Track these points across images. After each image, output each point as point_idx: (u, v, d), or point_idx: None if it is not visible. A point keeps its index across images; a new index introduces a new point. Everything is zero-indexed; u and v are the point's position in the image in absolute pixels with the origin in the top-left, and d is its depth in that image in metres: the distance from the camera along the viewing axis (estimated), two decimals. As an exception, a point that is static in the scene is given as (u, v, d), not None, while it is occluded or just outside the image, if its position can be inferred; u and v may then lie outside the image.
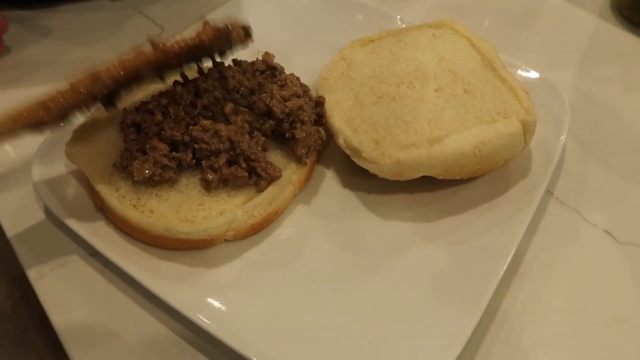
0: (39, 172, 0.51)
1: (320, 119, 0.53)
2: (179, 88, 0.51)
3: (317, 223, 0.51)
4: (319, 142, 0.53)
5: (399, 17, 0.69)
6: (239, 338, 0.42)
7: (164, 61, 0.47)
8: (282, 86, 0.53)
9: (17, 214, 0.52)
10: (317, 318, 0.44)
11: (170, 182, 0.48)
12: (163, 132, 0.49)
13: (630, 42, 0.72)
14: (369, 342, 0.43)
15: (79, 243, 0.49)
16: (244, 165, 0.48)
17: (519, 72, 0.61)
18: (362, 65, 0.58)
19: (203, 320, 0.42)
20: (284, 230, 0.50)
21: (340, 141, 0.52)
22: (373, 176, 0.51)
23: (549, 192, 0.54)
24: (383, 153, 0.49)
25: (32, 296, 0.47)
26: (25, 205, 0.53)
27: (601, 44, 0.72)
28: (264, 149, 0.50)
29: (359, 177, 0.53)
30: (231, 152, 0.48)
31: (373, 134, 0.51)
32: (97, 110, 0.55)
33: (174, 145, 0.49)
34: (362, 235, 0.50)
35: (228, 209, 0.47)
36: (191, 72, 0.58)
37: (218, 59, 0.52)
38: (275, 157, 0.51)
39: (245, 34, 0.51)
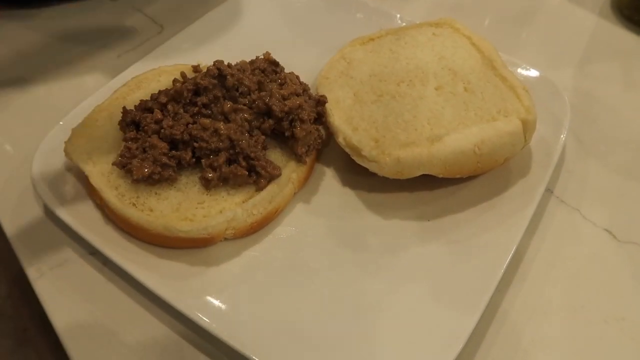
0: (38, 171, 0.51)
1: (320, 117, 0.53)
2: (178, 86, 0.51)
3: (317, 222, 0.50)
4: (319, 140, 0.52)
5: (398, 15, 0.69)
6: (238, 337, 0.42)
7: None
8: (281, 85, 0.53)
9: (16, 212, 0.52)
10: (316, 316, 0.44)
11: (170, 181, 0.48)
12: (162, 131, 0.49)
13: (630, 41, 0.72)
14: (369, 341, 0.43)
15: (79, 242, 0.49)
16: (243, 163, 0.48)
17: (519, 70, 0.61)
18: (362, 63, 0.58)
19: (202, 318, 0.42)
20: (284, 229, 0.50)
21: (340, 140, 0.52)
22: (373, 175, 0.51)
23: (549, 190, 0.54)
24: (383, 152, 0.49)
25: (32, 296, 0.47)
26: (24, 203, 0.53)
27: (601, 43, 0.72)
28: (264, 148, 0.50)
29: (359, 176, 0.53)
30: (231, 151, 0.48)
31: (373, 132, 0.51)
32: (96, 109, 0.55)
33: (173, 144, 0.49)
34: (362, 234, 0.50)
35: (228, 208, 0.47)
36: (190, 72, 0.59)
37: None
38: (275, 156, 0.51)
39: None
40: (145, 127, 0.49)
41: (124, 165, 0.48)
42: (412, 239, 0.49)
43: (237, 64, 0.54)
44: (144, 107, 0.51)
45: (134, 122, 0.51)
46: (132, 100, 0.55)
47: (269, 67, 0.55)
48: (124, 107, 0.51)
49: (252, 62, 0.55)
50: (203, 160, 0.48)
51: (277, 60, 0.57)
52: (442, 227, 0.50)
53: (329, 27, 0.69)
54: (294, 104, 0.50)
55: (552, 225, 0.52)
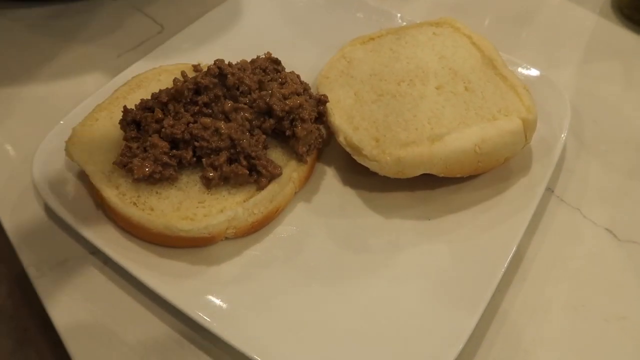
0: (39, 170, 0.51)
1: (321, 117, 0.53)
2: (179, 85, 0.51)
3: (318, 221, 0.50)
4: (320, 140, 0.52)
5: (399, 15, 0.69)
6: (239, 336, 0.42)
7: None
8: (282, 84, 0.53)
9: (17, 212, 0.52)
10: (317, 316, 0.44)
11: (171, 180, 0.48)
12: (163, 130, 0.49)
13: (630, 40, 0.72)
14: (369, 340, 0.43)
15: (80, 241, 0.49)
16: (244, 163, 0.48)
17: (519, 70, 0.61)
18: (362, 63, 0.58)
19: (204, 318, 0.42)
20: (285, 228, 0.50)
21: (341, 139, 0.52)
22: (373, 174, 0.51)
23: (549, 190, 0.54)
24: (384, 151, 0.49)
25: (33, 296, 0.47)
26: (25, 203, 0.53)
27: (601, 42, 0.72)
28: (265, 147, 0.50)
29: (360, 175, 0.53)
30: (232, 150, 0.48)
31: (373, 131, 0.51)
32: (96, 108, 0.55)
33: (174, 143, 0.49)
34: (362, 233, 0.50)
35: (228, 207, 0.47)
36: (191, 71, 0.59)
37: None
38: (276, 155, 0.51)
39: None
40: (146, 127, 0.49)
41: (124, 165, 0.48)
42: (412, 238, 0.49)
43: (237, 63, 0.54)
44: (145, 106, 0.51)
45: (135, 122, 0.51)
46: (132, 99, 0.55)
47: (270, 66, 0.55)
48: (124, 107, 0.51)
49: (253, 61, 0.55)
50: (204, 160, 0.48)
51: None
52: (442, 226, 0.50)
53: (330, 27, 0.69)
54: (294, 104, 0.50)
55: (552, 225, 0.52)
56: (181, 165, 0.49)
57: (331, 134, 0.54)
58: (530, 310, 0.46)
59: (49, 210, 0.51)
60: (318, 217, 0.51)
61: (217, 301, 0.44)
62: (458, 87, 0.53)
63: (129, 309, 0.46)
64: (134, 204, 0.47)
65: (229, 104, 0.49)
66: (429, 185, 0.52)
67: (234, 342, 0.41)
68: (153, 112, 0.50)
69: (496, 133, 0.48)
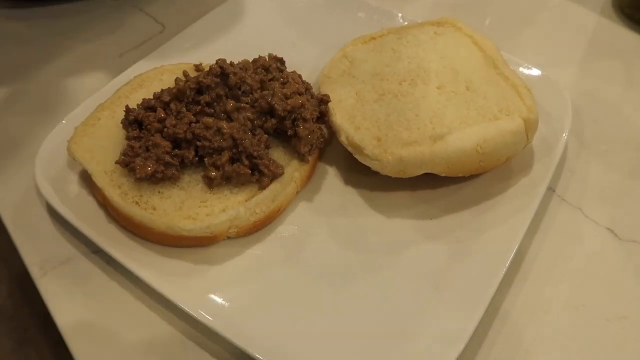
0: (41, 170, 0.51)
1: (323, 116, 0.53)
2: (180, 85, 0.51)
3: (319, 220, 0.51)
4: (321, 139, 0.53)
5: (400, 14, 0.69)
6: (241, 335, 0.42)
7: None
8: (283, 84, 0.53)
9: (19, 211, 0.52)
10: (319, 315, 0.44)
11: (173, 179, 0.48)
12: (165, 130, 0.49)
13: (631, 40, 0.72)
14: (370, 340, 0.43)
15: (81, 240, 0.49)
16: (246, 162, 0.48)
17: (520, 69, 0.61)
18: (364, 62, 0.58)
19: (206, 317, 0.43)
20: (286, 228, 0.50)
21: (343, 139, 0.52)
22: (375, 173, 0.51)
23: (550, 189, 0.54)
24: (385, 150, 0.49)
25: (34, 296, 0.47)
26: (27, 202, 0.53)
27: (603, 42, 0.72)
28: (267, 147, 0.50)
29: (361, 175, 0.53)
30: (234, 150, 0.48)
31: (375, 131, 0.51)
32: (98, 107, 0.55)
33: (176, 143, 0.49)
34: (364, 233, 0.50)
35: (230, 206, 0.47)
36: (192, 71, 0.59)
37: None
38: (278, 155, 0.51)
39: None
40: (148, 126, 0.49)
41: (127, 164, 0.48)
42: (414, 238, 0.49)
43: (239, 63, 0.54)
44: (147, 105, 0.51)
45: (137, 121, 0.51)
46: (134, 99, 0.55)
47: (274, 64, 0.55)
48: (126, 106, 0.51)
49: (255, 60, 0.55)
50: (206, 159, 0.48)
51: (279, 59, 0.57)
52: (444, 226, 0.50)
53: (331, 26, 0.69)
54: (296, 103, 0.50)
55: (554, 224, 0.52)
56: (183, 165, 0.49)
57: (333, 133, 0.54)
58: (531, 310, 0.46)
59: (51, 209, 0.51)
60: (320, 217, 0.51)
61: (219, 300, 0.44)
62: (459, 87, 0.53)
63: (131, 308, 0.46)
64: (136, 203, 0.47)
65: (231, 104, 0.50)
66: (431, 185, 0.52)
67: (237, 341, 0.41)
68: (155, 111, 0.50)
69: (498, 133, 0.48)
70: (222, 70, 0.51)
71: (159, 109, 0.50)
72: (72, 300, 0.46)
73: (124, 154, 0.49)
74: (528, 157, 0.54)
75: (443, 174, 0.50)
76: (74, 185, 0.52)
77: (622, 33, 0.73)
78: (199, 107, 0.50)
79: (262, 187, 0.48)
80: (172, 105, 0.50)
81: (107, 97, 0.56)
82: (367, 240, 0.49)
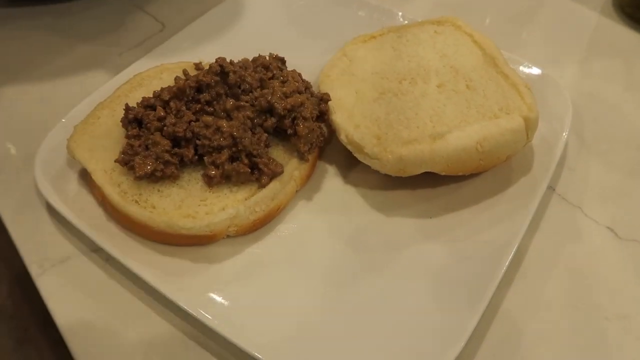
0: (41, 168, 0.51)
1: (322, 115, 0.53)
2: (180, 83, 0.51)
3: (319, 219, 0.51)
4: (321, 138, 0.52)
5: (400, 13, 0.69)
6: (241, 334, 0.42)
7: None
8: (283, 82, 0.53)
9: (19, 210, 0.52)
10: (318, 314, 0.44)
11: (172, 178, 0.48)
12: (165, 128, 0.49)
13: (632, 39, 0.72)
14: (370, 338, 0.43)
15: (81, 239, 0.49)
16: (246, 161, 0.48)
17: (520, 68, 0.61)
18: (364, 61, 0.58)
19: (205, 316, 0.43)
20: (286, 226, 0.50)
21: (342, 137, 0.52)
22: (375, 172, 0.51)
23: (550, 188, 0.54)
24: (385, 149, 0.49)
25: (34, 295, 0.47)
26: (27, 201, 0.53)
27: (603, 41, 0.72)
28: (266, 145, 0.50)
29: (361, 173, 0.53)
30: (233, 148, 0.48)
31: (375, 130, 0.51)
32: (98, 106, 0.55)
33: (175, 141, 0.49)
34: (364, 232, 0.50)
35: (230, 205, 0.47)
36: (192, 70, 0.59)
37: None
38: (277, 153, 0.51)
39: None
40: (148, 125, 0.49)
41: (126, 163, 0.48)
42: (413, 237, 0.49)
43: (239, 62, 0.54)
44: (147, 104, 0.51)
45: (137, 120, 0.51)
46: (134, 97, 0.55)
47: (274, 63, 0.55)
48: (126, 104, 0.51)
49: (255, 59, 0.55)
50: (205, 158, 0.48)
51: (279, 58, 0.57)
52: (443, 224, 0.50)
53: (331, 25, 0.69)
54: (295, 102, 0.50)
55: (553, 223, 0.52)
56: (183, 163, 0.49)
57: (333, 132, 0.54)
58: (531, 309, 0.46)
59: (50, 208, 0.51)
60: (319, 215, 0.51)
61: (219, 299, 0.44)
62: (459, 86, 0.53)
63: (131, 307, 0.46)
64: (136, 202, 0.47)
65: (230, 102, 0.50)
66: (430, 184, 0.52)
67: (236, 339, 0.41)
68: (155, 110, 0.50)
69: (498, 131, 0.48)
70: (221, 69, 0.50)
71: (159, 108, 0.50)
72: (71, 298, 0.46)
73: (124, 152, 0.49)
74: (528, 155, 0.54)
75: (443, 173, 0.50)
76: (74, 184, 0.52)
77: (622, 32, 0.73)
78: (199, 106, 0.50)
79: (262, 186, 0.48)
80: (172, 104, 0.50)
81: (107, 95, 0.56)
82: (366, 239, 0.49)
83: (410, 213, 0.51)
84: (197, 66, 0.58)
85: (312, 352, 0.42)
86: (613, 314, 0.46)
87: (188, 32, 0.67)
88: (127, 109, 0.51)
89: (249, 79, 0.51)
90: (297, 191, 0.52)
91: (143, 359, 0.43)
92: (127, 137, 0.50)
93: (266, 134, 0.50)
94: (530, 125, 0.50)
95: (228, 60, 0.52)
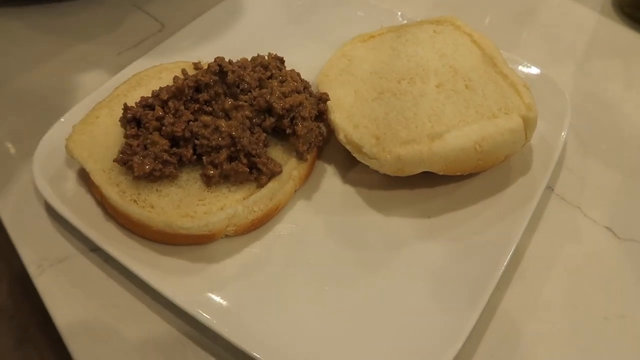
0: (39, 168, 0.51)
1: (321, 115, 0.53)
2: (179, 83, 0.51)
3: (318, 219, 0.51)
4: (320, 138, 0.52)
5: (399, 13, 0.69)
6: (239, 333, 0.42)
7: None
8: (282, 82, 0.53)
9: (17, 209, 0.52)
10: (317, 313, 0.44)
11: (171, 178, 0.48)
12: (163, 128, 0.49)
13: (631, 39, 0.72)
14: (369, 338, 0.43)
15: (80, 238, 0.49)
16: (244, 160, 0.48)
17: (519, 68, 0.61)
18: (363, 61, 0.58)
19: (204, 315, 0.43)
20: (285, 226, 0.50)
21: (341, 137, 0.52)
22: (373, 172, 0.51)
23: (549, 188, 0.54)
24: (384, 149, 0.49)
25: (34, 294, 0.47)
26: (25, 200, 0.53)
27: (602, 41, 0.72)
28: (265, 145, 0.50)
29: (360, 173, 0.53)
30: (232, 148, 0.48)
31: (374, 129, 0.51)
32: (97, 106, 0.55)
33: (174, 141, 0.49)
34: (362, 231, 0.50)
35: (229, 205, 0.47)
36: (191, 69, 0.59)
37: None
38: (276, 153, 0.51)
39: None
40: (147, 124, 0.49)
41: (125, 162, 0.48)
42: (412, 236, 0.49)
43: (238, 61, 0.54)
44: (145, 103, 0.51)
45: (135, 119, 0.51)
46: (133, 97, 0.55)
47: (273, 62, 0.55)
48: (125, 104, 0.51)
49: (253, 59, 0.55)
50: (204, 157, 0.48)
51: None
52: (442, 224, 0.50)
53: (330, 25, 0.69)
54: (294, 102, 0.50)
55: (552, 223, 0.52)
56: (181, 163, 0.49)
57: (331, 131, 0.54)
58: (529, 309, 0.46)
59: (49, 207, 0.51)
60: (318, 215, 0.51)
61: (217, 298, 0.44)
62: (458, 85, 0.53)
63: (129, 307, 0.46)
64: (134, 201, 0.47)
65: (229, 102, 0.50)
66: (429, 184, 0.52)
67: (234, 339, 0.41)
68: (153, 109, 0.50)
69: (496, 131, 0.48)
70: (220, 69, 0.50)
71: (157, 107, 0.50)
72: (70, 298, 0.46)
73: (122, 152, 0.49)
74: (527, 155, 0.54)
75: (441, 173, 0.50)
76: (72, 183, 0.52)
77: (622, 32, 0.73)
78: (197, 106, 0.50)
79: (261, 186, 0.48)
80: (171, 104, 0.50)
81: (106, 95, 0.56)
82: (365, 238, 0.49)
83: (408, 213, 0.51)
84: (196, 66, 0.58)
85: (310, 352, 0.42)
86: (612, 313, 0.46)
87: (187, 32, 0.67)
88: (126, 108, 0.51)
89: (247, 79, 0.51)
90: (295, 191, 0.52)
91: (142, 359, 0.43)
92: (126, 136, 0.50)
93: (265, 134, 0.50)
94: (529, 125, 0.49)
95: (227, 59, 0.52)
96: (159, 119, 0.49)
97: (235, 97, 0.50)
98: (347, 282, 0.46)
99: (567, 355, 0.44)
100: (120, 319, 0.45)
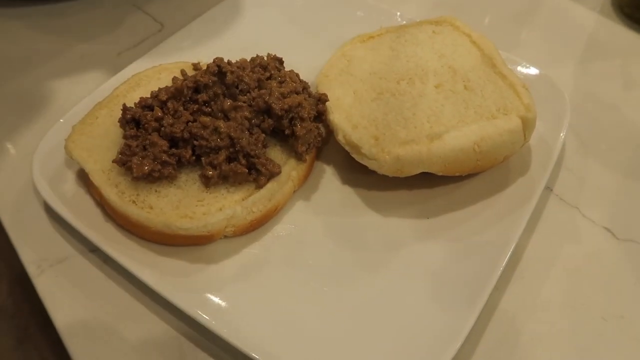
0: (39, 168, 0.51)
1: (320, 115, 0.53)
2: (178, 84, 0.51)
3: (317, 219, 0.51)
4: (319, 138, 0.52)
5: (399, 13, 0.69)
6: (238, 334, 0.42)
7: None
8: (281, 83, 0.53)
9: (17, 209, 0.52)
10: (316, 313, 0.44)
11: (170, 178, 0.48)
12: (162, 129, 0.49)
13: (630, 39, 0.72)
14: (367, 338, 0.43)
15: (79, 239, 0.49)
16: (243, 161, 0.48)
17: (519, 68, 0.61)
18: (362, 61, 0.58)
19: (202, 316, 0.43)
20: (283, 227, 0.50)
21: (340, 137, 0.52)
22: (372, 172, 0.51)
23: (548, 188, 0.54)
24: (382, 149, 0.49)
25: (34, 294, 0.47)
26: (25, 201, 0.53)
27: (601, 41, 0.72)
28: (264, 146, 0.50)
29: (359, 174, 0.53)
30: (231, 149, 0.48)
31: (373, 130, 0.51)
32: (96, 106, 0.55)
33: (173, 142, 0.49)
34: (361, 232, 0.50)
35: (227, 205, 0.47)
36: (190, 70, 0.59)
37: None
38: (275, 154, 0.51)
39: None
40: (146, 125, 0.49)
41: (124, 163, 0.48)
42: (411, 237, 0.49)
43: (237, 62, 0.54)
44: (144, 104, 0.51)
45: (134, 120, 0.51)
46: (132, 97, 0.55)
47: (272, 63, 0.55)
48: (124, 105, 0.51)
49: (252, 59, 0.55)
50: (203, 158, 0.48)
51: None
52: (441, 224, 0.50)
53: (329, 25, 0.69)
54: (293, 102, 0.50)
55: (551, 223, 0.52)
56: (180, 164, 0.49)
57: (330, 132, 0.54)
58: (528, 309, 0.46)
59: (48, 208, 0.51)
60: (317, 216, 0.51)
61: (216, 299, 0.44)
62: (457, 86, 0.53)
63: (128, 307, 0.46)
64: (133, 202, 0.47)
65: (228, 103, 0.50)
66: (428, 184, 0.52)
67: (233, 340, 0.41)
68: (152, 110, 0.50)
69: (495, 132, 0.48)
70: (219, 69, 0.50)
71: (157, 108, 0.50)
72: (69, 298, 0.46)
73: (121, 152, 0.49)
74: (526, 156, 0.54)
75: (440, 173, 0.50)
76: (72, 184, 0.52)
77: (621, 32, 0.73)
78: (196, 106, 0.50)
79: (259, 186, 0.48)
80: (170, 104, 0.50)
81: (105, 95, 0.56)
82: (364, 239, 0.49)
83: (407, 213, 0.51)
84: (195, 66, 0.58)
85: (309, 352, 0.42)
86: (610, 314, 0.46)
87: (187, 32, 0.67)
88: (125, 109, 0.51)
89: (246, 79, 0.51)
90: (294, 191, 0.52)
91: (140, 359, 0.43)
92: (125, 137, 0.50)
93: (264, 135, 0.50)
94: (527, 126, 0.49)
95: (226, 60, 0.52)
96: (158, 119, 0.49)
97: (234, 97, 0.51)
98: (346, 282, 0.46)
99: (565, 355, 0.44)
100: (119, 319, 0.45)
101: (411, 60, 0.57)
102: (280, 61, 0.57)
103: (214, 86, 0.50)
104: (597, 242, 0.51)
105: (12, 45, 0.70)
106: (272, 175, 0.49)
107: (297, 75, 0.55)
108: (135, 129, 0.50)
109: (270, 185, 0.49)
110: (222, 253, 0.48)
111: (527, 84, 0.53)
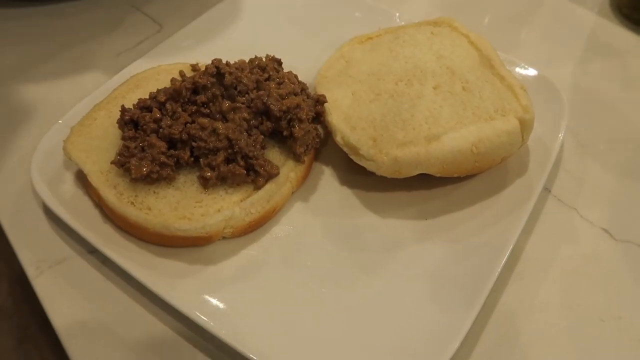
0: (37, 169, 0.51)
1: (318, 116, 0.53)
2: (177, 85, 0.51)
3: (315, 220, 0.51)
4: (317, 140, 0.53)
5: (397, 14, 0.70)
6: (236, 335, 0.42)
7: None
8: (279, 84, 0.53)
9: (15, 211, 0.52)
10: (314, 315, 0.44)
11: (168, 180, 0.48)
12: (161, 130, 0.49)
13: (629, 39, 0.72)
14: (366, 339, 0.43)
15: (77, 240, 0.49)
16: (241, 163, 0.48)
17: (517, 69, 0.61)
18: (360, 62, 0.58)
19: (201, 317, 0.43)
20: (282, 228, 0.50)
21: (338, 139, 0.52)
22: (371, 174, 0.51)
23: (546, 189, 0.54)
24: (381, 151, 0.49)
25: (33, 295, 0.47)
26: (23, 202, 0.53)
27: (600, 42, 0.72)
28: (262, 147, 0.50)
29: (357, 175, 0.53)
30: (229, 150, 0.48)
31: (371, 131, 0.51)
32: (94, 107, 0.55)
33: (171, 143, 0.49)
34: (359, 233, 0.50)
35: (226, 207, 0.47)
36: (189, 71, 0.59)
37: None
38: (273, 155, 0.51)
39: None
40: (144, 126, 0.49)
41: (122, 164, 0.48)
42: (409, 238, 0.49)
43: (235, 63, 0.54)
44: (143, 105, 0.51)
45: (133, 121, 0.51)
46: (131, 99, 0.55)
47: (270, 64, 0.55)
48: (122, 106, 0.51)
49: (251, 60, 0.55)
50: (201, 160, 0.48)
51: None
52: (439, 226, 0.50)
53: (328, 26, 0.69)
54: (291, 104, 0.50)
55: (549, 224, 0.52)
56: (179, 165, 0.49)
57: (329, 133, 0.54)
58: (526, 310, 0.46)
59: (47, 209, 0.51)
60: (315, 217, 0.51)
61: (215, 300, 0.44)
62: (455, 87, 0.53)
63: (127, 308, 0.46)
64: (132, 203, 0.47)
65: (226, 104, 0.50)
66: (426, 185, 0.52)
67: (231, 341, 0.41)
68: (151, 111, 0.50)
69: (493, 133, 0.48)
70: (218, 70, 0.51)
71: (155, 109, 0.50)
72: (68, 300, 0.46)
73: (120, 154, 0.49)
74: (524, 157, 0.54)
75: (438, 175, 0.50)
76: (70, 185, 0.52)
77: (619, 33, 0.73)
78: (195, 108, 0.50)
79: (258, 188, 0.48)
80: (168, 106, 0.50)
81: (104, 97, 0.56)
82: (362, 240, 0.49)
83: (406, 214, 0.51)
84: (194, 67, 0.58)
85: (307, 354, 0.42)
86: (608, 315, 0.46)
87: (185, 33, 0.67)
88: (123, 110, 0.51)
89: (245, 81, 0.51)
90: (293, 193, 0.52)
91: (139, 360, 0.43)
92: (123, 138, 0.50)
93: (262, 136, 0.50)
94: (525, 127, 0.50)
95: (225, 61, 0.52)
96: (157, 121, 0.49)
97: (232, 99, 0.51)
98: (345, 283, 0.46)
99: (563, 356, 0.44)
100: (118, 320, 0.45)
101: (409, 61, 0.57)
102: (279, 62, 0.57)
103: (212, 87, 0.50)
104: (595, 243, 0.51)
105: (11, 46, 0.70)
106: (270, 176, 0.49)
107: (296, 76, 0.55)
108: (133, 130, 0.50)
109: (268, 187, 0.49)
110: (221, 254, 0.48)
111: (525, 85, 0.53)
